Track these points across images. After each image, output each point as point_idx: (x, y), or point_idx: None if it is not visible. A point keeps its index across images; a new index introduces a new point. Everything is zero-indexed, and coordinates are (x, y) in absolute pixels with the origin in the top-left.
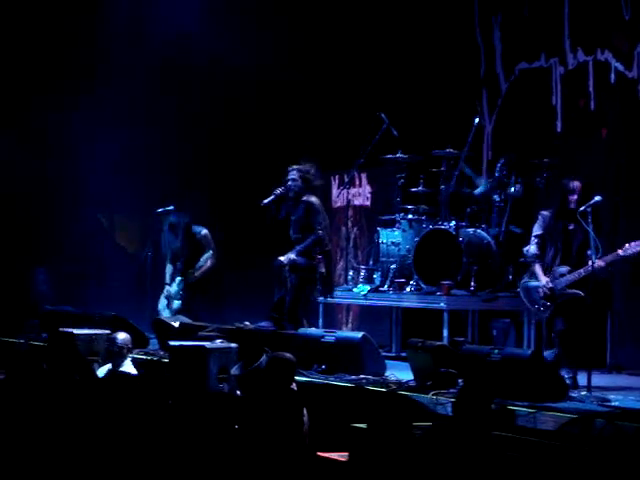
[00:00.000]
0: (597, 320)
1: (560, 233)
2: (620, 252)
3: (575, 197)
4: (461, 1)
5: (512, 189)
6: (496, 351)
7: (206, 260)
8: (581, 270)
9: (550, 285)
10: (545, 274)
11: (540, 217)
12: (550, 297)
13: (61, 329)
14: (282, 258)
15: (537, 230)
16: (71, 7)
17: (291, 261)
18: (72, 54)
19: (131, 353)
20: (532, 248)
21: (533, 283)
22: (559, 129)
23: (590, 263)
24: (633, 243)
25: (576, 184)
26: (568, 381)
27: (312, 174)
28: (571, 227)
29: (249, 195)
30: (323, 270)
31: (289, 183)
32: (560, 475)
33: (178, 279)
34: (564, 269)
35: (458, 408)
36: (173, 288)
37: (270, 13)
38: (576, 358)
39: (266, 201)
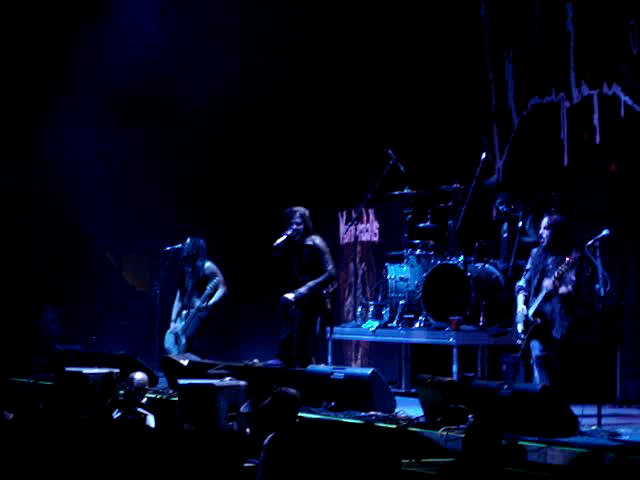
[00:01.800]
0: (606, 353)
1: (539, 267)
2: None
3: (547, 232)
4: (472, 35)
5: (521, 224)
6: (506, 386)
7: (213, 288)
8: (539, 295)
9: (526, 312)
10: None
11: (533, 251)
12: (525, 325)
13: (68, 369)
14: (288, 295)
15: (527, 265)
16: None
17: (300, 296)
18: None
19: (147, 393)
20: (520, 281)
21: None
22: (565, 163)
23: (544, 289)
24: None
25: (546, 220)
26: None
27: (308, 216)
28: (548, 261)
29: (260, 230)
30: (329, 307)
31: (294, 227)
32: None
33: (184, 313)
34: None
35: (468, 444)
36: (180, 324)
37: (276, 41)
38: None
39: (279, 242)
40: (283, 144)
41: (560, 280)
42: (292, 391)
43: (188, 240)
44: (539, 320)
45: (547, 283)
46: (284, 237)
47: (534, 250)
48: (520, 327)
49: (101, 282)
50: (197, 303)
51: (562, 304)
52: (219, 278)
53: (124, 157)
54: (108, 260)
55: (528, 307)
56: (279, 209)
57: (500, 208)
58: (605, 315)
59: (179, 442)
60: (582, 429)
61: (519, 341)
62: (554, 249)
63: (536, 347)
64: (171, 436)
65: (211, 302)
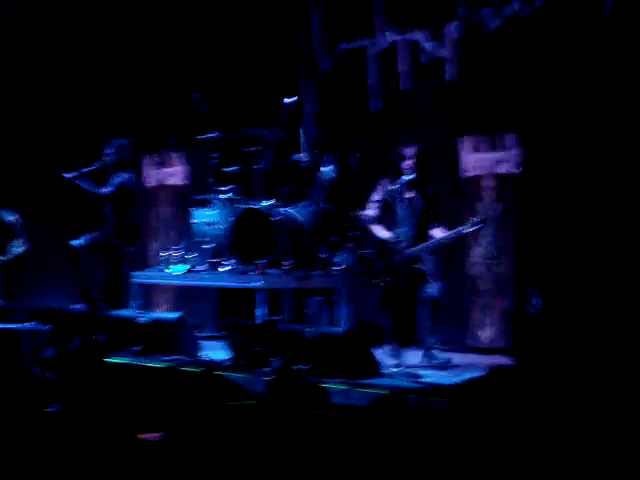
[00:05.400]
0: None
1: (398, 201)
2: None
3: (409, 163)
4: None
5: (326, 169)
6: (310, 329)
7: (13, 247)
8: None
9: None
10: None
11: (379, 185)
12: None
13: None
14: (80, 240)
15: (376, 196)
16: None
17: (89, 242)
18: None
19: None
20: (370, 212)
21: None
22: (376, 108)
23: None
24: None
25: (408, 150)
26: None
27: (125, 150)
28: (409, 195)
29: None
30: (120, 243)
31: (105, 158)
32: (372, 451)
33: None
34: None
35: (271, 386)
36: None
37: None
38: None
39: (70, 175)
40: (89, 88)
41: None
42: (97, 335)
43: None
44: (417, 265)
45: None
46: (82, 171)
47: (386, 181)
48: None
49: None
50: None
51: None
52: (21, 239)
53: None
54: None
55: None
56: (84, 153)
57: (306, 153)
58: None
59: None
60: (385, 371)
61: (381, 281)
62: (415, 182)
63: (434, 287)
64: None
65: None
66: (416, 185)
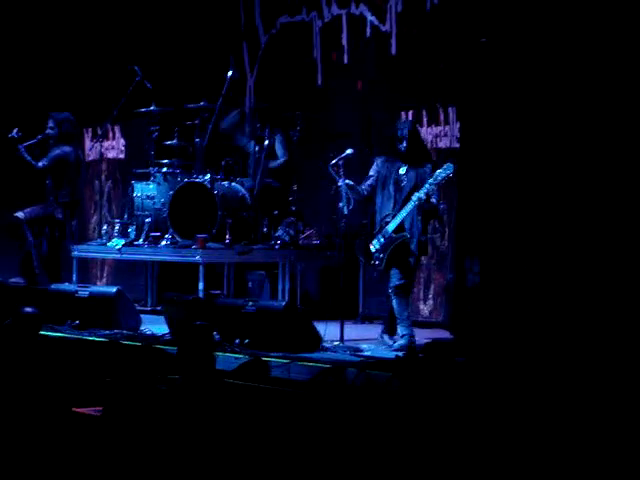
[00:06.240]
0: (348, 271)
1: (391, 178)
2: None
3: (404, 141)
4: None
5: (267, 142)
6: (251, 303)
7: None
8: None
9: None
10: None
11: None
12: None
13: None
14: (19, 213)
15: (371, 172)
16: None
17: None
18: None
19: None
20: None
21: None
22: (319, 82)
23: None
24: None
25: (403, 127)
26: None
27: (66, 123)
28: (402, 171)
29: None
30: (61, 216)
31: (47, 131)
32: (314, 424)
33: None
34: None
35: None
36: None
37: None
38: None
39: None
40: (29, 61)
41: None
42: (30, 309)
43: None
44: (407, 235)
45: (416, 196)
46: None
47: (379, 158)
48: (375, 245)
49: None
50: None
51: (422, 218)
52: None
53: None
54: None
55: (385, 221)
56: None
57: (248, 126)
58: (348, 233)
59: None
60: (325, 345)
61: (376, 261)
62: (409, 159)
63: (396, 274)
64: None
65: None
66: (410, 161)
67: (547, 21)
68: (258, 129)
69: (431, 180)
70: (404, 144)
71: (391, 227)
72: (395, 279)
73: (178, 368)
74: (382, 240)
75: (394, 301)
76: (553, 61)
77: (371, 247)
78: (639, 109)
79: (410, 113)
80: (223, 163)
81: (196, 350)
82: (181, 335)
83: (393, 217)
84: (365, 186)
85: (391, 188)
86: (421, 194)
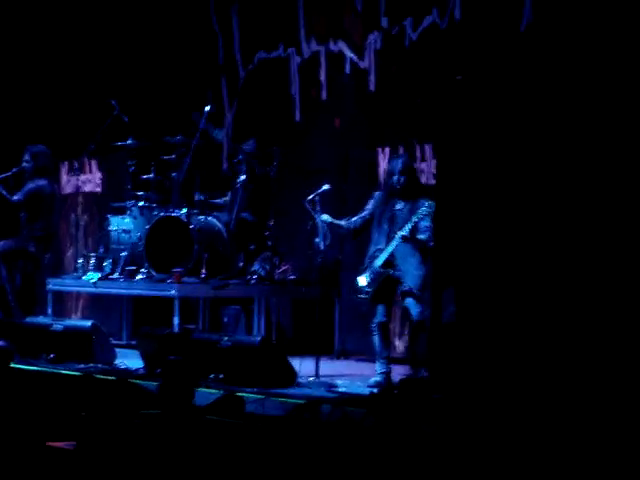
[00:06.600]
0: (325, 306)
1: (385, 214)
2: None
3: (401, 177)
4: None
5: (242, 177)
6: (226, 338)
7: None
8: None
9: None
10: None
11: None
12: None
13: None
14: None
15: (368, 205)
16: None
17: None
18: None
19: None
20: (355, 219)
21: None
22: (297, 118)
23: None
24: None
25: (399, 164)
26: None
27: (42, 157)
28: (398, 207)
29: None
30: (34, 250)
31: (23, 164)
32: (289, 461)
33: None
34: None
35: (162, 392)
36: None
37: None
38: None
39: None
40: (6, 94)
41: (415, 227)
42: (0, 343)
43: None
44: (391, 271)
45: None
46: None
47: (377, 193)
48: (364, 279)
49: None
50: None
51: (419, 252)
52: None
53: None
54: None
55: (374, 256)
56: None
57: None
58: (324, 269)
59: None
60: (300, 381)
61: (363, 295)
62: (405, 194)
63: (381, 311)
64: None
65: None
66: (406, 196)
67: (522, 59)
68: (235, 164)
69: (414, 217)
70: (399, 179)
71: (378, 262)
72: (380, 315)
73: (158, 403)
74: (372, 275)
75: (376, 337)
76: (528, 99)
77: (360, 281)
78: (616, 144)
79: (387, 150)
80: (200, 198)
81: (174, 385)
82: (162, 370)
83: (382, 252)
84: (357, 218)
85: (385, 224)
86: (404, 231)
